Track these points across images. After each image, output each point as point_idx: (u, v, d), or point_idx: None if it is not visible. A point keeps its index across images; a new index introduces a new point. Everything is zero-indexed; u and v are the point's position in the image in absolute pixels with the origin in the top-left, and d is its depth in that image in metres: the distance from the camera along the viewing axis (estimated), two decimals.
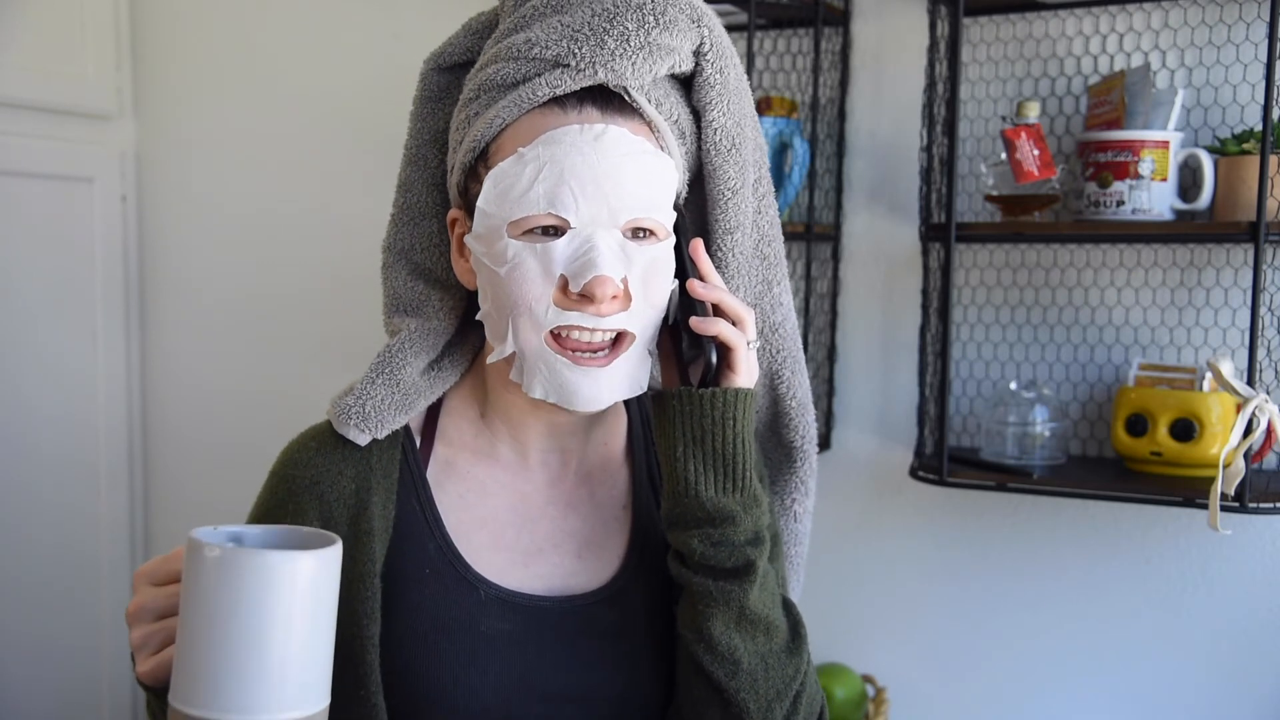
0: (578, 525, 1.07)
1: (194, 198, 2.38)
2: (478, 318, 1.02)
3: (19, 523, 2.22)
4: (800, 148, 1.78)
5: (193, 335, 2.40)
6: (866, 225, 1.90)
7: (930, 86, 1.73)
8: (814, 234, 1.81)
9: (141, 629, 0.87)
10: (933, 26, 1.74)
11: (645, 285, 0.96)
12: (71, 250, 2.29)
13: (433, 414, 1.09)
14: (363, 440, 1.03)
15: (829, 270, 1.91)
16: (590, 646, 1.03)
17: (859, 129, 1.89)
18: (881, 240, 1.89)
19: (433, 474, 1.06)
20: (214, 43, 2.34)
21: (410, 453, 1.06)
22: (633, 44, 0.95)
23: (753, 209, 1.07)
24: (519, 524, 1.06)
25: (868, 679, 1.89)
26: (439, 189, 1.09)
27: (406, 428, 1.07)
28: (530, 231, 0.95)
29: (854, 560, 1.93)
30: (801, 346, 1.15)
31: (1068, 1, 1.73)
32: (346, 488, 1.03)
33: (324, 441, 1.05)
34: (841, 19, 1.86)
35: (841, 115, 1.89)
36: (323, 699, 0.82)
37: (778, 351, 1.12)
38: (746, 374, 0.99)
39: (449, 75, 1.09)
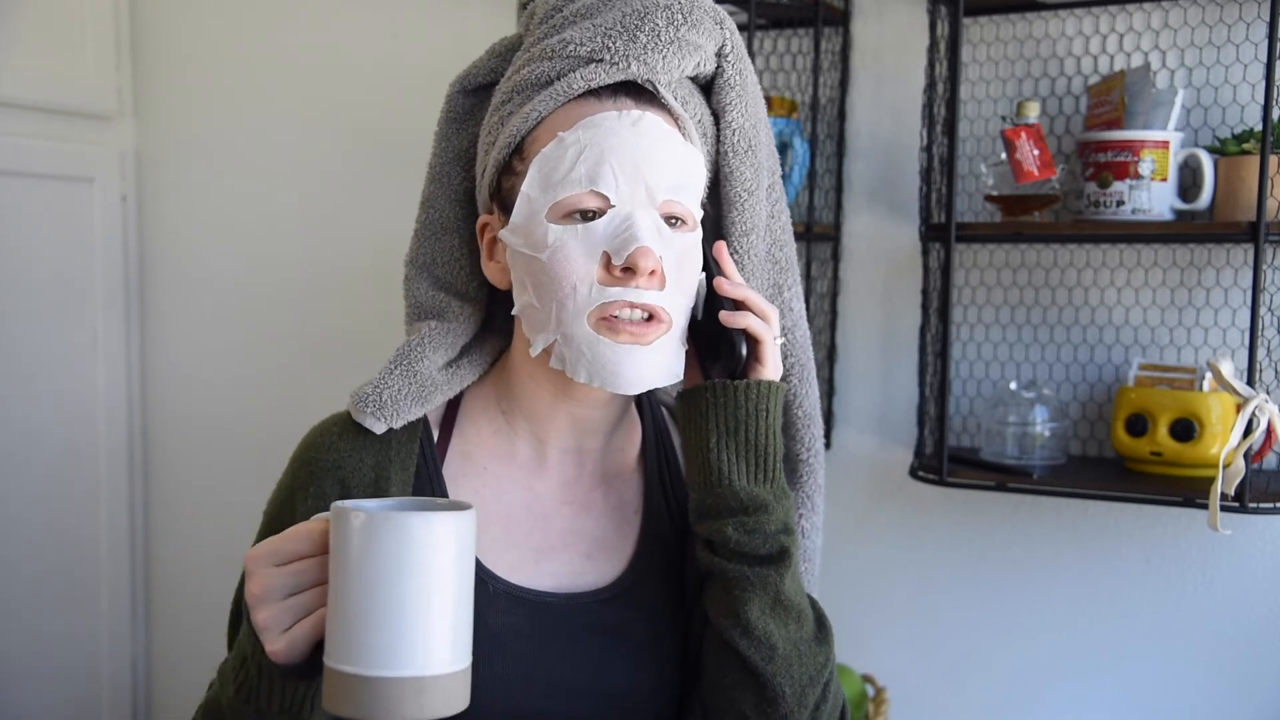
0: (589, 525, 1.09)
1: (194, 198, 2.38)
2: (514, 313, 1.04)
3: (20, 520, 2.22)
4: (800, 148, 1.78)
5: (193, 335, 2.40)
6: (866, 225, 1.90)
7: (930, 86, 1.73)
8: (814, 234, 1.81)
9: (269, 609, 0.87)
10: (933, 26, 1.74)
11: (679, 270, 0.99)
12: (71, 250, 2.29)
13: (451, 411, 1.11)
14: (379, 429, 1.05)
15: (829, 270, 1.91)
16: (595, 642, 1.04)
17: (859, 129, 1.89)
18: (881, 240, 1.89)
19: (449, 470, 1.08)
20: (214, 43, 2.33)
21: (428, 447, 1.08)
22: (663, 39, 1.00)
23: (766, 212, 1.10)
24: (531, 521, 1.08)
25: (868, 679, 1.89)
26: (461, 205, 1.12)
27: (425, 423, 1.09)
28: (570, 215, 0.98)
29: (854, 560, 1.93)
30: (812, 356, 1.15)
31: (1068, 1, 1.73)
32: (366, 474, 1.05)
33: (345, 428, 1.07)
34: (841, 19, 1.86)
35: (841, 115, 1.89)
36: (466, 658, 0.85)
37: (787, 357, 1.13)
38: (774, 367, 1.02)
39: (473, 97, 1.12)
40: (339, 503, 0.85)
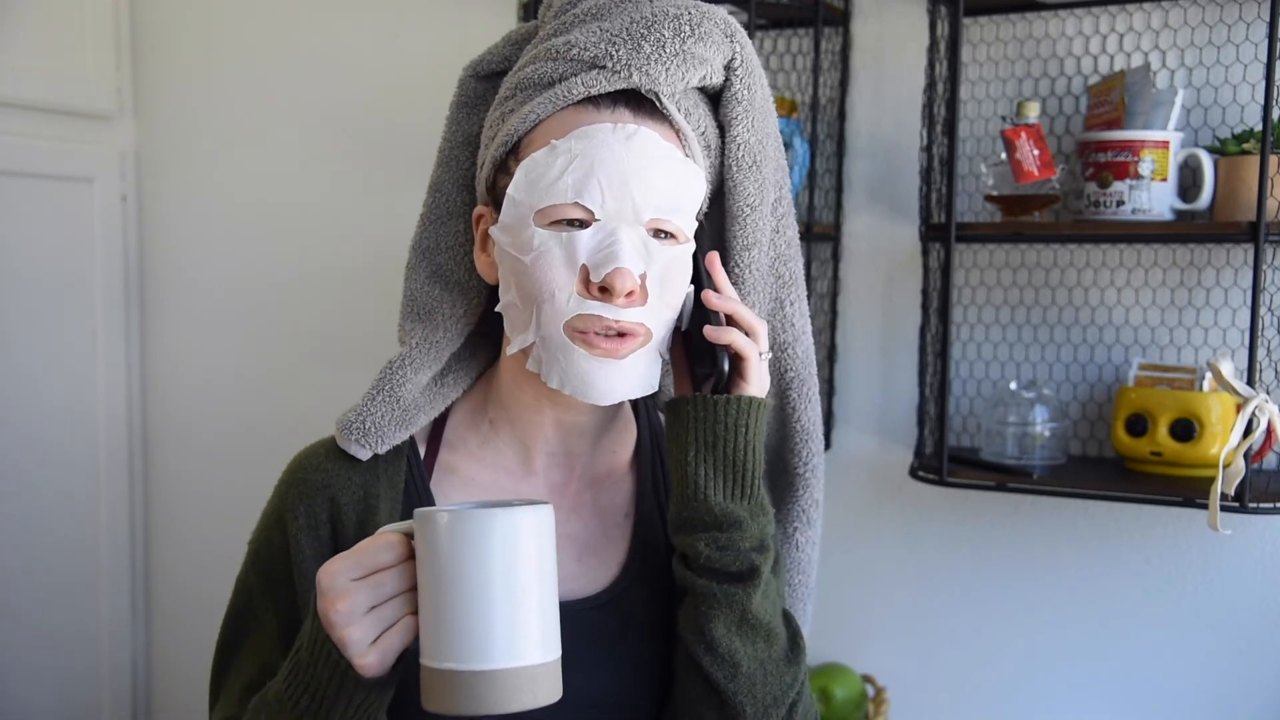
0: (579, 530, 1.08)
1: (194, 198, 2.38)
2: (497, 309, 1.03)
3: (20, 521, 2.22)
4: (800, 148, 1.78)
5: (192, 335, 2.40)
6: (866, 225, 1.90)
7: (930, 86, 1.73)
8: (814, 234, 1.81)
9: (357, 625, 0.87)
10: (933, 26, 1.74)
11: (663, 284, 0.98)
12: (71, 250, 2.29)
13: (438, 425, 1.10)
14: (364, 455, 1.05)
15: (829, 270, 1.91)
16: (589, 651, 1.03)
17: (859, 129, 1.89)
18: (881, 240, 1.89)
19: (436, 482, 1.08)
20: (214, 43, 2.34)
21: (415, 464, 1.08)
22: (668, 50, 0.98)
23: (770, 227, 1.09)
24: None
25: (868, 679, 1.89)
26: (468, 190, 1.11)
27: (411, 440, 1.08)
28: (556, 222, 0.97)
29: (854, 560, 1.93)
30: (815, 373, 1.14)
31: (1068, 1, 1.73)
32: (355, 493, 1.05)
33: (332, 451, 1.07)
34: (841, 19, 1.86)
35: (841, 115, 1.89)
36: (557, 649, 0.88)
37: (785, 372, 1.12)
38: (758, 384, 1.01)
39: (486, 83, 1.12)
40: (421, 509, 0.87)
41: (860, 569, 1.93)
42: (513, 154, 1.01)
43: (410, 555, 0.88)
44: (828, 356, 1.91)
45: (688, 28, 0.99)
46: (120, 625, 2.41)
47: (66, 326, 2.30)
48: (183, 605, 2.44)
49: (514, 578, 0.85)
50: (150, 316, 2.43)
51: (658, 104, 1.00)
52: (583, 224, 0.96)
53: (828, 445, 1.91)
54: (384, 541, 0.89)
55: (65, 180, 2.27)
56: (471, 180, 1.11)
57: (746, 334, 1.00)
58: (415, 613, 0.88)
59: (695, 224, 1.03)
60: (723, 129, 1.05)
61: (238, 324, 2.36)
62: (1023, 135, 1.61)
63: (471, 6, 2.11)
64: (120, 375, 2.39)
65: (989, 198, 1.71)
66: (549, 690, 0.86)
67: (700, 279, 1.02)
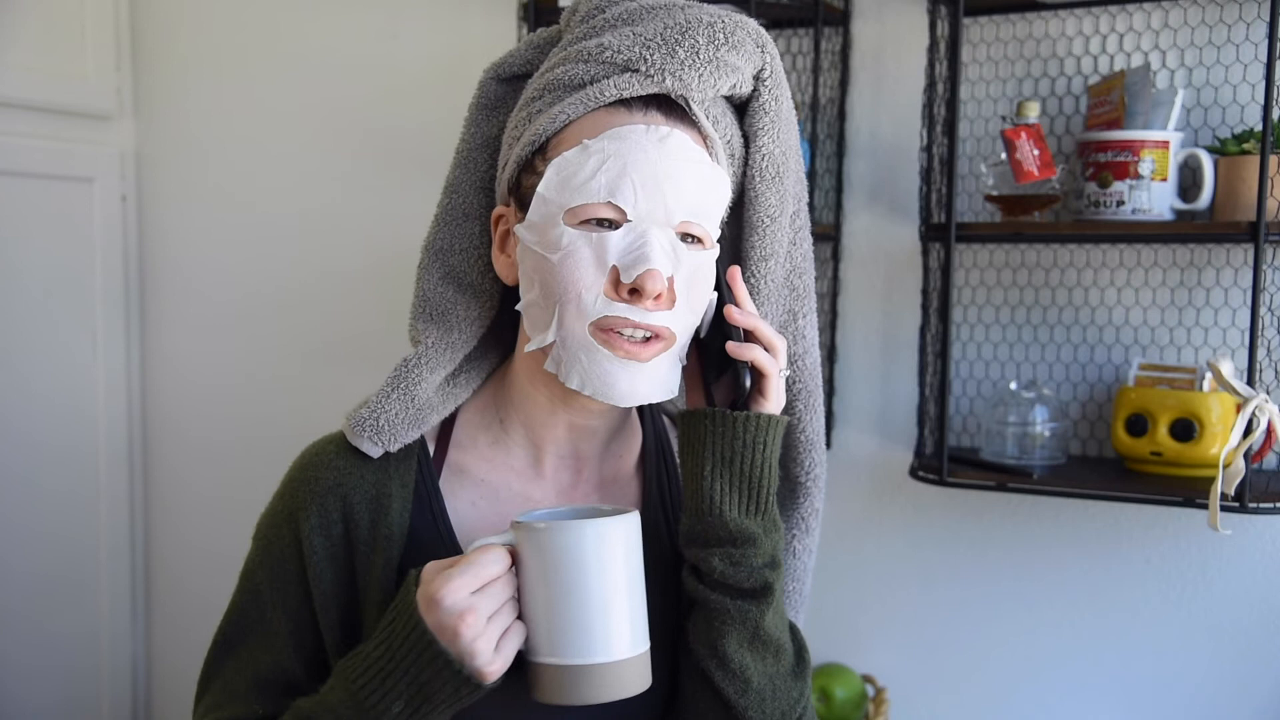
0: None
1: (194, 198, 2.38)
2: (517, 308, 1.03)
3: (19, 521, 2.22)
4: (800, 148, 1.78)
5: (192, 335, 2.40)
6: (866, 225, 1.90)
7: (930, 86, 1.73)
8: (814, 234, 1.80)
9: (485, 636, 0.90)
10: (933, 26, 1.74)
11: (689, 289, 0.98)
12: (71, 250, 2.29)
13: (448, 424, 1.10)
14: (375, 453, 1.05)
15: (829, 270, 1.91)
16: None
17: (859, 129, 1.89)
18: (881, 240, 1.89)
19: (445, 482, 1.07)
20: (214, 43, 2.33)
21: (424, 463, 1.07)
22: (702, 57, 0.99)
23: (788, 239, 1.10)
24: None
25: (868, 679, 1.89)
26: (485, 192, 1.11)
27: (421, 439, 1.08)
28: (586, 222, 0.97)
29: (854, 560, 1.93)
30: (821, 384, 1.15)
31: (1068, 1, 1.73)
32: (367, 491, 1.04)
33: (342, 448, 1.06)
34: (841, 19, 1.86)
35: (841, 115, 1.89)
36: (646, 641, 0.95)
37: (794, 383, 1.12)
38: (776, 400, 1.01)
39: (506, 85, 1.12)
40: (522, 521, 0.93)
41: (860, 569, 1.93)
42: (540, 154, 1.01)
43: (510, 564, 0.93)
44: (828, 356, 1.91)
45: (721, 35, 0.99)
46: (120, 625, 2.41)
47: (66, 326, 2.30)
48: (183, 605, 2.44)
49: (609, 582, 0.92)
50: (150, 316, 2.43)
51: (688, 110, 1.00)
52: (613, 224, 0.96)
53: (828, 445, 1.91)
54: (493, 554, 0.92)
55: (65, 180, 2.27)
56: (489, 182, 1.11)
57: (767, 350, 1.00)
58: (520, 616, 0.93)
59: (719, 230, 1.03)
60: (747, 139, 1.06)
61: (237, 324, 2.36)
62: (1023, 135, 1.61)
63: (471, 7, 2.11)
64: (120, 375, 2.39)
65: (989, 198, 1.71)
66: (641, 679, 0.94)
67: (720, 291, 1.03)
